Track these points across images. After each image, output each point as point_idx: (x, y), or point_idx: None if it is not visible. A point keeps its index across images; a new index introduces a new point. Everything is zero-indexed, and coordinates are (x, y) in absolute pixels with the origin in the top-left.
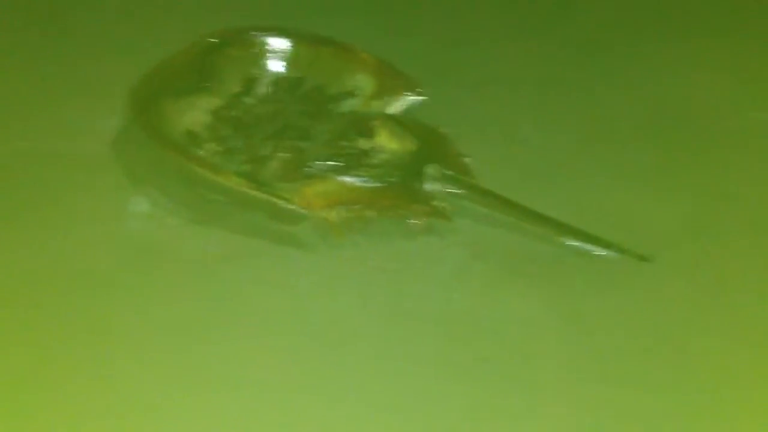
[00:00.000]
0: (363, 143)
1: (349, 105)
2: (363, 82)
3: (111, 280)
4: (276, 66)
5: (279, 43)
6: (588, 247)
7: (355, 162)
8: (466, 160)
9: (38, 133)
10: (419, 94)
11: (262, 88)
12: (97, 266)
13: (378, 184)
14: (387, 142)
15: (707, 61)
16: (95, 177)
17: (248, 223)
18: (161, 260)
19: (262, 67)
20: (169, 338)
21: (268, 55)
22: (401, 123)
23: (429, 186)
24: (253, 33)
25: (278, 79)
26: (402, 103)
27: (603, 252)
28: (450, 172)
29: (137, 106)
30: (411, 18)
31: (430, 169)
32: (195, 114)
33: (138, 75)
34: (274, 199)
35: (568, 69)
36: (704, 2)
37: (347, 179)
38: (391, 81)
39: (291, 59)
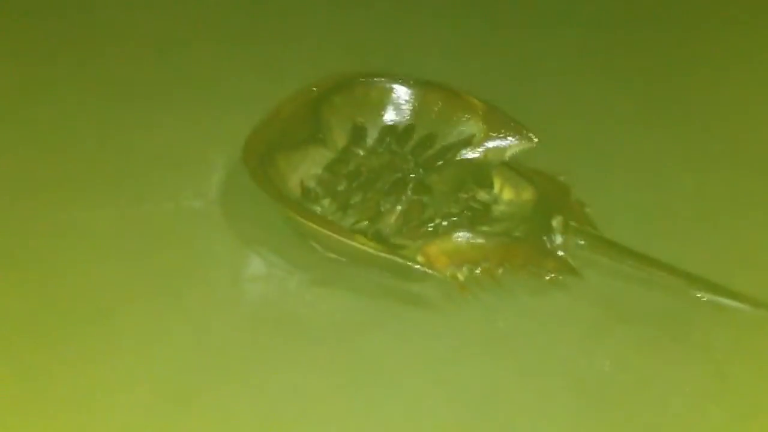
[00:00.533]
0: (483, 195)
1: (462, 154)
2: (473, 128)
3: (227, 350)
4: (384, 114)
5: (384, 89)
6: (724, 300)
7: (477, 216)
8: (587, 210)
9: (148, 195)
10: (531, 140)
11: (372, 139)
12: (212, 335)
13: (503, 240)
14: (506, 193)
15: None
16: (207, 237)
17: (371, 283)
18: (282, 327)
19: (370, 116)
20: (299, 414)
21: (373, 102)
22: (518, 172)
23: (555, 240)
24: (358, 79)
25: (387, 128)
26: (514, 149)
27: (741, 305)
28: (575, 224)
29: (251, 159)
30: (519, 60)
31: (555, 222)
32: (308, 167)
33: (247, 128)
34: (398, 259)
35: (685, 105)
36: None
37: (471, 235)
38: (502, 126)
39: (398, 105)
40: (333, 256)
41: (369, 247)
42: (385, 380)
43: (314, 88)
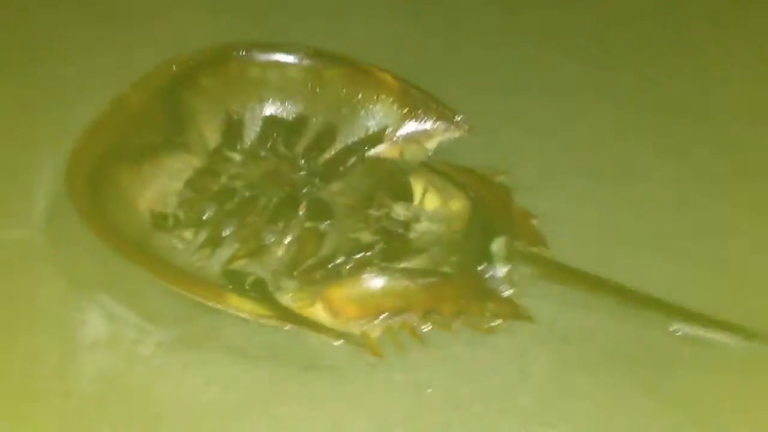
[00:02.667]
0: (400, 210)
1: (371, 152)
2: (385, 116)
3: None
4: (267, 101)
5: (266, 66)
6: (707, 334)
7: (393, 247)
8: (534, 222)
9: None
10: (459, 127)
11: (251, 137)
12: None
13: (429, 280)
14: (430, 202)
15: None
16: (28, 279)
17: (256, 346)
18: (132, 416)
19: (247, 104)
20: None
21: (252, 84)
22: (444, 173)
23: (497, 271)
24: (236, 52)
25: (272, 122)
26: (437, 141)
27: (728, 339)
28: (520, 245)
29: (77, 178)
30: (442, 24)
31: (496, 245)
32: (164, 182)
33: (75, 131)
34: (290, 326)
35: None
36: None
37: (386, 276)
38: (421, 110)
39: (286, 88)
40: (204, 302)
41: (246, 313)
42: None
43: (172, 67)
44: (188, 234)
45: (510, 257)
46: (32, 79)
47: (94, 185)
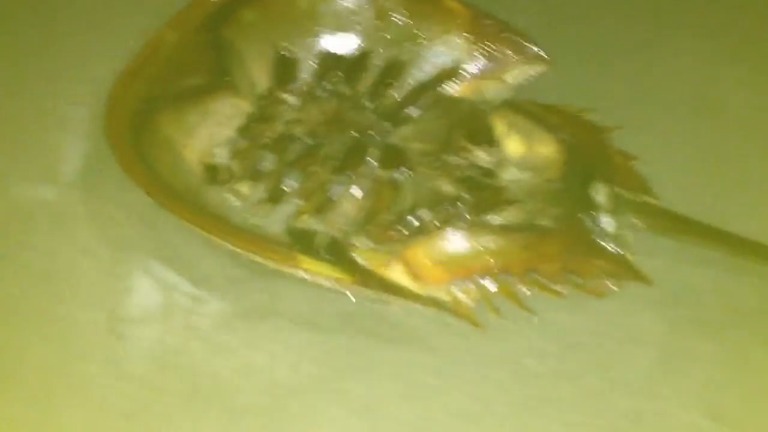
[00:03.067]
0: (482, 155)
1: (444, 90)
2: (456, 48)
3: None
4: (322, 35)
5: None
6: None
7: (483, 196)
8: (636, 164)
9: None
10: (541, 60)
11: (306, 76)
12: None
13: (526, 235)
14: (514, 146)
15: None
16: (65, 241)
17: (327, 316)
18: (196, 397)
19: (300, 39)
20: None
21: (304, 17)
22: (529, 113)
23: (602, 223)
24: None
25: (330, 59)
26: (517, 77)
27: None
28: (624, 191)
29: (116, 128)
30: None
31: (599, 194)
32: (212, 130)
33: (108, 78)
34: (367, 291)
35: None
36: None
37: (476, 232)
38: (497, 42)
39: (343, 20)
40: (264, 263)
41: (322, 277)
42: None
43: (209, 0)
44: (244, 188)
45: (616, 207)
46: (55, 20)
47: (136, 135)
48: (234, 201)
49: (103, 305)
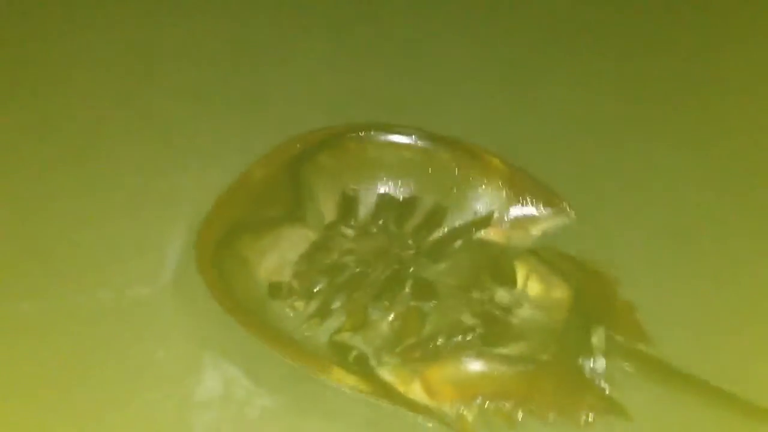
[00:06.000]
0: (502, 294)
1: (478, 235)
2: (493, 199)
3: None
4: (383, 180)
5: (388, 146)
6: None
7: (494, 332)
8: (638, 316)
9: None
10: (566, 214)
11: (365, 212)
12: None
13: (527, 367)
14: (532, 289)
15: None
16: (149, 338)
17: (355, 417)
18: None
19: (365, 183)
20: None
21: (372, 164)
22: (548, 261)
23: (596, 364)
24: (355, 133)
25: (385, 200)
26: (543, 227)
27: None
28: (622, 340)
29: (204, 247)
30: (550, 115)
31: (596, 337)
32: (283, 253)
33: (205, 198)
34: (387, 403)
35: None
36: None
37: (485, 360)
38: (529, 196)
39: (402, 169)
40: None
41: (347, 386)
42: None
43: (295, 145)
44: (300, 304)
45: (609, 351)
46: (169, 146)
47: (220, 255)
48: (291, 314)
49: (174, 389)
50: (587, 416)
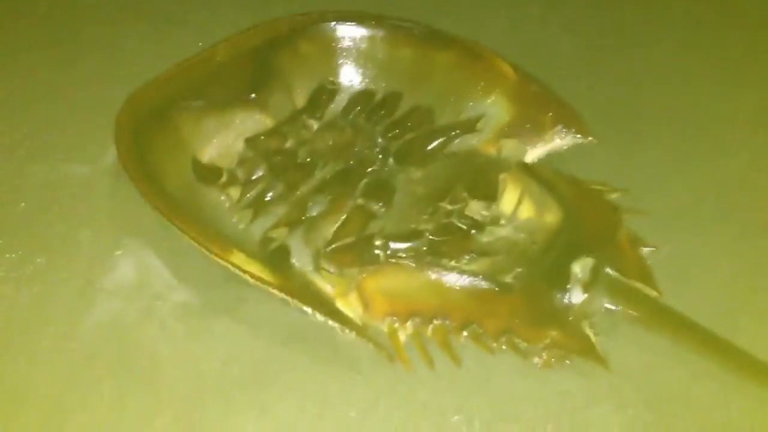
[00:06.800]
0: (478, 208)
1: (464, 142)
2: (495, 106)
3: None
4: (363, 73)
5: (381, 40)
6: None
7: (457, 242)
8: (646, 251)
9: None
10: (582, 135)
11: (336, 107)
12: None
13: (483, 287)
14: (516, 210)
15: None
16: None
17: (275, 326)
18: (133, 370)
19: (349, 77)
20: None
21: (353, 55)
22: (546, 181)
23: (572, 295)
24: (335, 22)
25: (361, 95)
26: (548, 145)
27: None
28: (616, 274)
29: (126, 123)
30: (574, 22)
31: (581, 266)
32: (227, 140)
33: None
34: (305, 307)
35: None
36: None
37: (433, 272)
38: (539, 110)
39: (395, 68)
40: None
41: (248, 275)
42: None
43: (269, 28)
44: (235, 192)
45: (593, 283)
46: (128, 26)
47: (148, 129)
48: (226, 203)
49: (82, 272)
50: (546, 354)
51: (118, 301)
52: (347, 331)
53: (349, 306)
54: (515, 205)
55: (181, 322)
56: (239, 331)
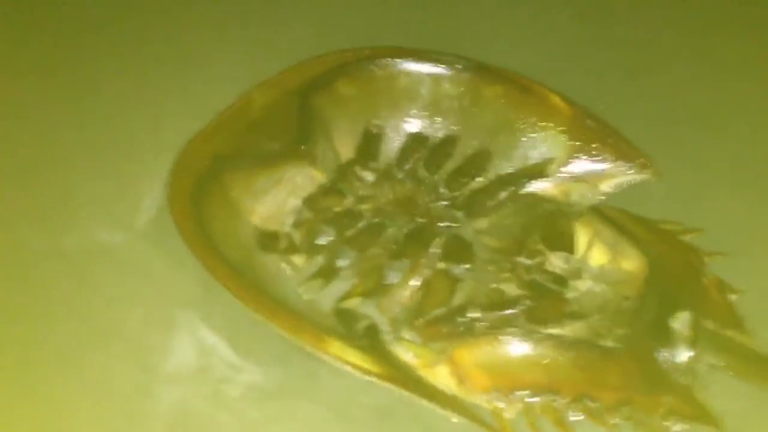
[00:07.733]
0: (558, 261)
1: (530, 187)
2: (552, 145)
3: None
4: (416, 117)
5: (424, 77)
6: None
7: (546, 304)
8: (732, 298)
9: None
10: (645, 169)
11: (389, 155)
12: None
13: (586, 354)
14: (596, 257)
15: None
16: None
17: (359, 407)
18: None
19: (393, 119)
20: None
21: (403, 97)
22: (619, 225)
23: (678, 356)
24: (382, 59)
25: (416, 139)
26: (615, 183)
27: None
28: (713, 325)
29: (179, 188)
30: (629, 50)
31: (679, 321)
32: (279, 199)
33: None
34: (403, 390)
35: None
36: None
37: (531, 342)
38: (598, 147)
39: (440, 105)
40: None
41: (349, 365)
42: None
43: (306, 69)
44: (299, 260)
45: (696, 339)
46: (153, 80)
47: (201, 193)
48: (288, 271)
49: (136, 357)
50: (667, 423)
51: (181, 389)
52: (444, 409)
53: (438, 379)
54: (585, 252)
55: (254, 408)
56: (321, 414)
